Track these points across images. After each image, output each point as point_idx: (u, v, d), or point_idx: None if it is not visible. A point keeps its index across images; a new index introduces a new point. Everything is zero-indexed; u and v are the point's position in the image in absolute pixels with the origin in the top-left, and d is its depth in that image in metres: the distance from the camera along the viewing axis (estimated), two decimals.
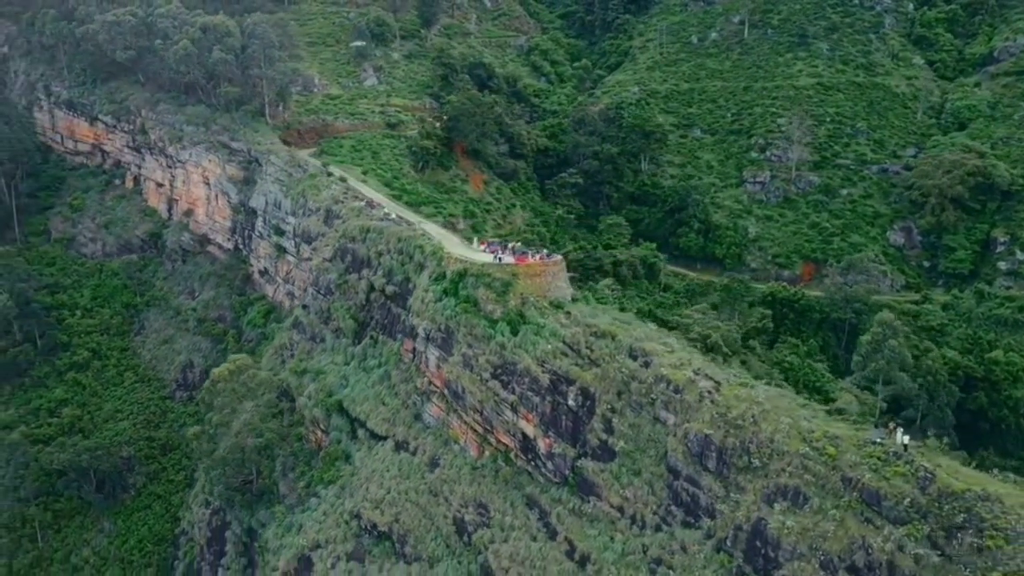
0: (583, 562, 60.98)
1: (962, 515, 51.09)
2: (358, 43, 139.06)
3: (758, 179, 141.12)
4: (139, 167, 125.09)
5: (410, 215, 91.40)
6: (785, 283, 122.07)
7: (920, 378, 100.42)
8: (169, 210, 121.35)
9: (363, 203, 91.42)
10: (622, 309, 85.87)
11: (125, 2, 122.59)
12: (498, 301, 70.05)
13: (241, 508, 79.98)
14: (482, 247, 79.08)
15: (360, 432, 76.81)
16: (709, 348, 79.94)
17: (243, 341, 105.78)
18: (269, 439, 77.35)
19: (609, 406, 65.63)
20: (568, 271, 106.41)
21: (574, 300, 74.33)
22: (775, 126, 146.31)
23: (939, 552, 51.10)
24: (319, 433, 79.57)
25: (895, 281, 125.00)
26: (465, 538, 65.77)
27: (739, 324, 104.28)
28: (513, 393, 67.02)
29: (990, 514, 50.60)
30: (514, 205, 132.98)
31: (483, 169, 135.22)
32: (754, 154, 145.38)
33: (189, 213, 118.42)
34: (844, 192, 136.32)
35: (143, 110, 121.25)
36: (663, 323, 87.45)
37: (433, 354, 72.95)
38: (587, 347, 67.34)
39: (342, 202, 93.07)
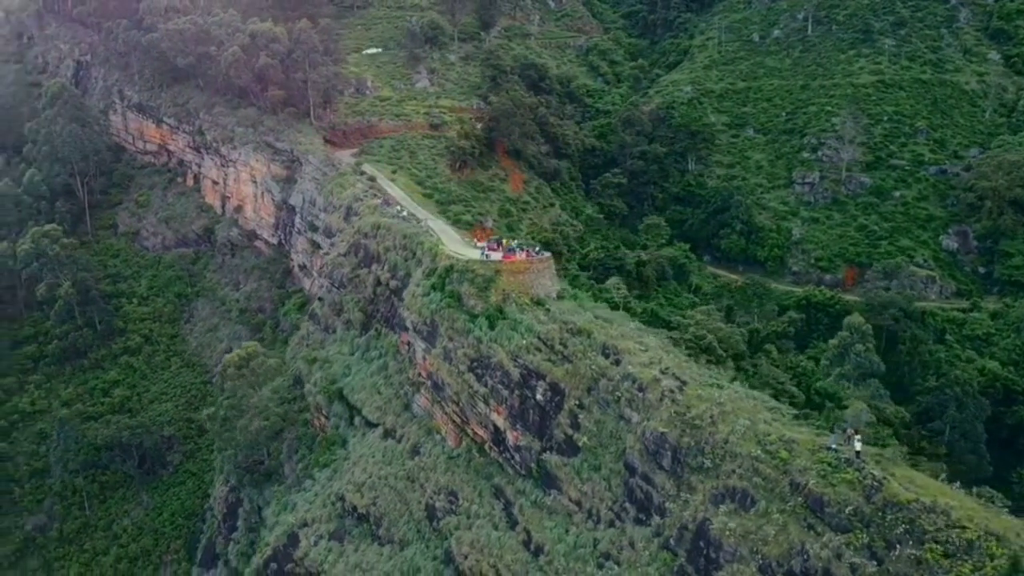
0: (537, 552, 62.29)
1: (904, 526, 50.03)
2: (372, 51, 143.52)
3: (807, 180, 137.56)
4: (198, 166, 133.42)
5: (422, 213, 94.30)
6: (824, 287, 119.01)
7: (949, 388, 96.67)
8: (222, 206, 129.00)
9: (379, 201, 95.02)
10: (614, 307, 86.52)
11: (188, 11, 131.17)
12: (479, 296, 71.98)
13: (251, 487, 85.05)
14: (480, 244, 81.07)
15: (356, 419, 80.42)
16: (703, 350, 79.58)
17: (279, 331, 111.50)
18: (275, 422, 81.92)
19: (577, 402, 66.58)
20: (588, 270, 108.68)
21: (560, 297, 75.39)
22: (829, 125, 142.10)
23: (877, 562, 50.15)
24: (322, 419, 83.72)
25: (945, 287, 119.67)
26: (435, 524, 68.18)
27: (758, 327, 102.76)
28: (486, 386, 68.93)
29: (932, 526, 49.39)
30: (552, 204, 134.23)
31: (523, 169, 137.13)
32: (805, 154, 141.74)
33: (239, 209, 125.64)
34: (897, 194, 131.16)
35: (201, 112, 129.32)
36: (665, 323, 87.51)
37: (420, 346, 75.72)
38: (561, 343, 68.42)
39: (361, 200, 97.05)
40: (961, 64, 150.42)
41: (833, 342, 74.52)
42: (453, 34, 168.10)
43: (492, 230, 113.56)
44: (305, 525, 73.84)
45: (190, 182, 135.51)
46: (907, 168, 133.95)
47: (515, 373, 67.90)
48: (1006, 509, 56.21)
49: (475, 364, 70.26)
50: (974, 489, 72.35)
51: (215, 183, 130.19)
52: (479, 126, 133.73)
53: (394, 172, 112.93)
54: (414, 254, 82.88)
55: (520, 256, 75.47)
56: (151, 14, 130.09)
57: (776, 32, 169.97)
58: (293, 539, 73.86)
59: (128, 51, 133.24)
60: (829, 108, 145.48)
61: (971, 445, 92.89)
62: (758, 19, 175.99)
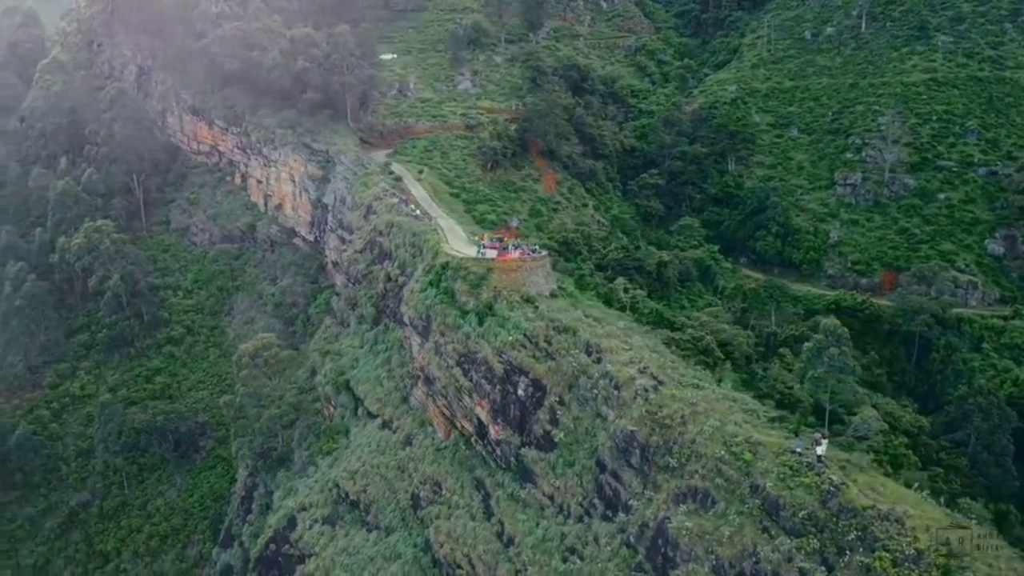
0: (508, 544, 63.71)
1: (856, 532, 49.71)
2: (388, 56, 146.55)
3: (848, 181, 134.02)
4: (245, 165, 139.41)
5: (436, 211, 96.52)
6: (855, 291, 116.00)
7: (974, 398, 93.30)
8: (265, 205, 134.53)
9: (396, 200, 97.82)
10: (621, 307, 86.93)
11: (238, 17, 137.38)
12: (471, 293, 73.80)
13: (265, 472, 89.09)
14: (483, 242, 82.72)
15: (360, 410, 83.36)
16: (700, 351, 79.23)
17: (309, 324, 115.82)
18: (286, 411, 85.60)
19: (558, 398, 67.71)
20: (606, 270, 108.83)
21: (553, 296, 76.40)
22: (874, 125, 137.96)
23: (828, 568, 49.92)
24: (330, 408, 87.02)
25: (987, 294, 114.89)
26: (418, 512, 70.33)
27: (776, 331, 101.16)
28: (471, 380, 70.65)
29: (884, 534, 48.96)
30: (585, 205, 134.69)
31: (557, 169, 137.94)
32: (849, 155, 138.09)
33: (279, 207, 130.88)
34: (941, 196, 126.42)
35: (247, 115, 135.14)
36: (669, 324, 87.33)
37: (415, 341, 78.02)
38: (545, 341, 69.58)
39: (380, 199, 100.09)
40: None
41: (808, 344, 72.88)
42: (500, 36, 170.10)
43: (517, 230, 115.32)
44: (303, 509, 77.20)
45: (238, 181, 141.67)
46: (954, 169, 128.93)
47: (499, 368, 69.40)
48: (976, 520, 54.81)
49: (463, 359, 72.09)
50: (973, 500, 70.38)
51: (259, 182, 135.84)
52: (513, 127, 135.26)
53: (421, 172, 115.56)
54: (421, 251, 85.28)
55: (514, 255, 76.88)
56: (203, 21, 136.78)
57: (829, 29, 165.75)
58: (291, 522, 77.31)
59: (183, 56, 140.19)
60: (876, 107, 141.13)
61: (995, 458, 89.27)
62: (811, 16, 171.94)
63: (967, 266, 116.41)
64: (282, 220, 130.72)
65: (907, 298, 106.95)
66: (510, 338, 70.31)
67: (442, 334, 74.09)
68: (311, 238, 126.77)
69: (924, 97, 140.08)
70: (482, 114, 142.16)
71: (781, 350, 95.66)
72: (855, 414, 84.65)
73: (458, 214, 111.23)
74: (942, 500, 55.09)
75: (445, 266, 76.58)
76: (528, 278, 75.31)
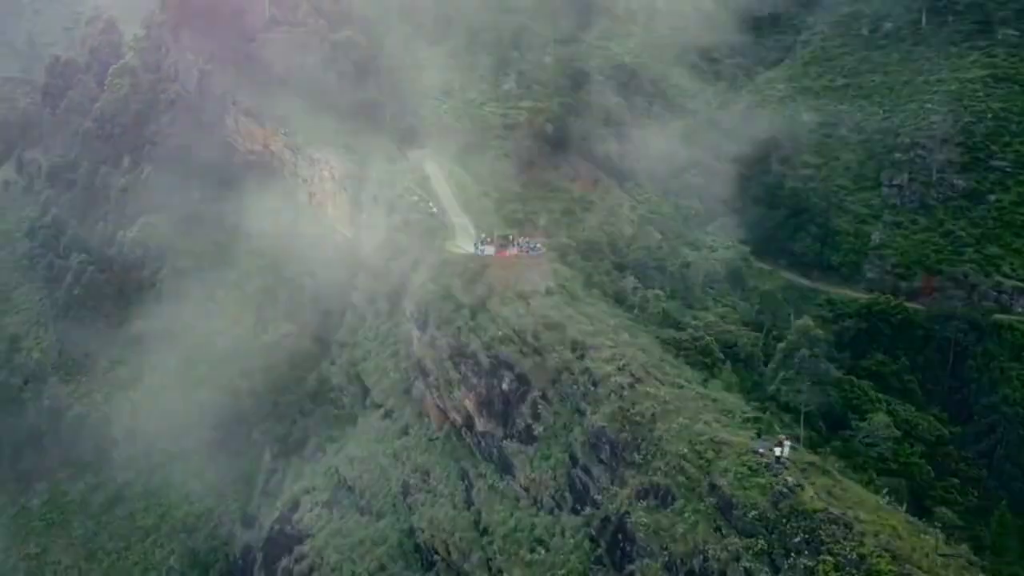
0: (483, 533, 65.39)
1: (803, 535, 49.88)
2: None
3: (895, 182, 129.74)
4: (294, 165, 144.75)
5: (456, 209, 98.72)
6: (892, 295, 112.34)
7: (1001, 408, 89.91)
8: (310, 202, 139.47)
9: (416, 198, 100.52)
10: (630, 307, 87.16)
11: (287, 21, 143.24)
12: (466, 289, 75.78)
13: (283, 457, 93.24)
14: (486, 239, 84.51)
15: (367, 400, 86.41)
16: (699, 351, 78.98)
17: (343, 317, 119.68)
18: (301, 399, 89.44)
19: (541, 393, 69.10)
20: (625, 270, 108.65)
21: (548, 293, 77.53)
22: (926, 124, 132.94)
23: (774, 569, 50.12)
24: (343, 398, 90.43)
25: None
26: (407, 499, 72.71)
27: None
28: (460, 374, 72.57)
29: (830, 538, 49.09)
30: (621, 205, 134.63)
31: (594, 169, 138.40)
32: (897, 155, 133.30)
33: (320, 206, 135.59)
34: (992, 198, 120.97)
35: (295, 115, 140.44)
36: (675, 323, 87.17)
37: (415, 334, 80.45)
38: (533, 336, 71.05)
39: (403, 197, 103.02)
40: None
41: (782, 345, 71.55)
42: (550, 36, 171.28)
43: (544, 229, 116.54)
44: (306, 493, 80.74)
45: (287, 179, 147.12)
46: (1008, 170, 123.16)
47: (486, 362, 71.16)
48: (939, 529, 53.67)
49: (454, 353, 74.15)
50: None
51: (304, 181, 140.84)
52: (550, 127, 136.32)
53: (451, 171, 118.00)
54: (429, 248, 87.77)
55: (513, 252, 78.41)
56: (255, 25, 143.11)
57: (887, 25, 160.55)
58: (296, 505, 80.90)
59: (237, 60, 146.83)
60: (929, 105, 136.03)
61: (1020, 470, 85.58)
62: (870, 12, 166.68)
63: (1013, 271, 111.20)
64: (323, 218, 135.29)
65: (940, 302, 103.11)
66: (499, 333, 71.97)
67: (437, 328, 76.36)
68: (349, 235, 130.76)
69: (980, 94, 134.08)
70: (521, 114, 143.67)
71: (798, 352, 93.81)
72: (865, 420, 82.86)
73: (486, 213, 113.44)
74: (904, 507, 53.98)
75: (444, 262, 78.71)
76: (523, 275, 76.83)
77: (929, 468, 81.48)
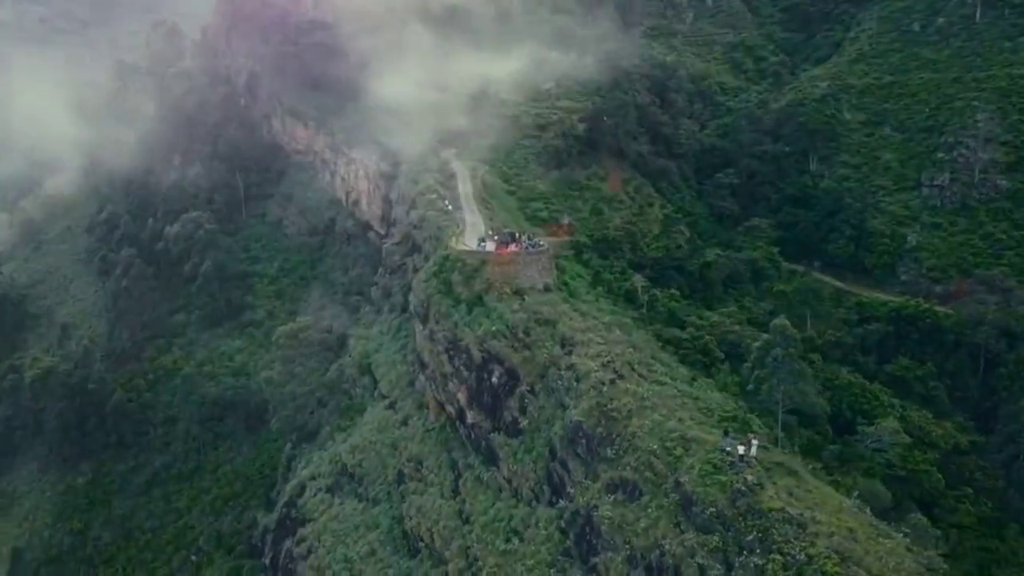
0: (466, 521, 66.82)
1: (757, 533, 49.95)
2: None
3: (936, 182, 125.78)
4: (334, 163, 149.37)
5: (471, 208, 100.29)
6: (924, 298, 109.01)
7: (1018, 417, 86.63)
8: (346, 200, 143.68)
9: (434, 196, 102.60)
10: (639, 305, 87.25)
11: (327, 25, 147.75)
12: (465, 285, 77.27)
13: (297, 445, 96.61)
14: (494, 237, 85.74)
15: (376, 391, 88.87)
16: (698, 351, 78.68)
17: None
18: (316, 389, 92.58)
19: (528, 387, 70.14)
20: (643, 269, 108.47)
21: (547, 289, 78.34)
22: (971, 122, 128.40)
23: (727, 567, 50.37)
24: (355, 389, 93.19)
25: None
26: (400, 488, 74.71)
27: (812, 335, 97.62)
28: (454, 367, 74.16)
29: (782, 537, 49.24)
30: (651, 204, 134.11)
31: (626, 168, 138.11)
32: (940, 154, 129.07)
33: (356, 203, 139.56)
34: None
35: (334, 115, 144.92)
36: (680, 323, 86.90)
37: (418, 328, 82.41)
38: (524, 332, 72.08)
39: (424, 195, 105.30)
40: None
41: (757, 344, 70.34)
42: (591, 36, 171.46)
43: (569, 226, 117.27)
44: (313, 479, 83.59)
45: (327, 178, 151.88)
46: None
47: (477, 356, 72.52)
48: (905, 534, 52.78)
49: (450, 346, 75.74)
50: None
51: (343, 179, 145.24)
52: (581, 126, 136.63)
53: (474, 169, 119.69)
54: (438, 244, 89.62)
55: (512, 248, 79.51)
56: (298, 28, 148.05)
57: (940, 20, 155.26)
58: (302, 490, 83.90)
59: (282, 62, 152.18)
60: (976, 103, 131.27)
61: None
62: (922, 7, 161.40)
63: None
64: (359, 215, 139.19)
65: (970, 307, 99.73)
66: (493, 328, 73.19)
67: (436, 322, 78.09)
68: (382, 232, 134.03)
69: None
70: (555, 114, 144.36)
71: (812, 355, 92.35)
72: (874, 424, 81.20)
73: (509, 211, 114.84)
74: (868, 511, 53.01)
75: (446, 258, 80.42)
76: (521, 271, 77.77)
77: (940, 476, 79.18)
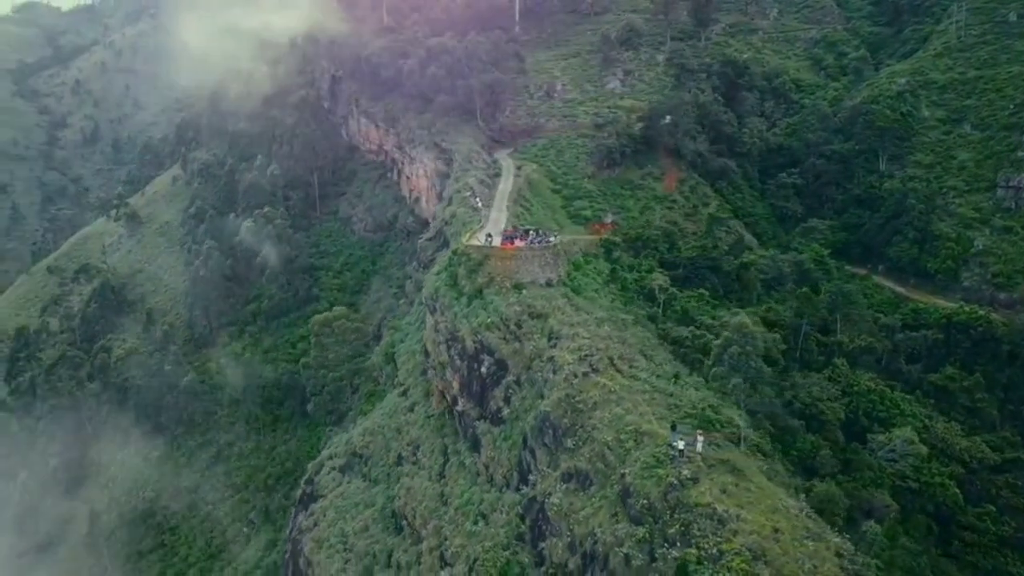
0: (444, 504, 69.39)
1: (680, 527, 50.83)
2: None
3: (1012, 183, 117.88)
4: (400, 163, 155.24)
5: (500, 205, 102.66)
6: (985, 305, 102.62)
7: None
8: (409, 198, 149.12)
9: (468, 193, 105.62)
10: (651, 301, 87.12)
11: (396, 30, 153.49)
12: (468, 278, 79.85)
13: (328, 427, 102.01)
14: (507, 233, 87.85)
15: (396, 379, 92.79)
16: (698, 350, 78.04)
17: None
18: (345, 375, 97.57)
19: (515, 378, 72.06)
20: (676, 269, 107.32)
21: (548, 284, 79.75)
22: None
23: (651, 558, 51.36)
24: (382, 376, 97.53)
25: None
26: (398, 470, 78.08)
27: (843, 340, 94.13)
28: (450, 357, 76.83)
29: (700, 532, 50.03)
30: (707, 204, 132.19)
31: (683, 168, 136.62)
32: (1020, 154, 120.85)
33: (417, 201, 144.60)
34: None
35: (400, 117, 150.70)
36: (693, 323, 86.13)
37: (428, 319, 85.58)
38: (516, 324, 74.07)
39: (460, 192, 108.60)
40: None
41: (717, 342, 68.27)
42: (665, 34, 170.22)
43: (613, 224, 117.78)
44: (330, 458, 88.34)
45: (395, 177, 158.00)
46: None
47: (470, 347, 74.96)
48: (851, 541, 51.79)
49: (449, 337, 78.50)
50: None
51: (407, 178, 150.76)
52: (638, 125, 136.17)
53: (519, 168, 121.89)
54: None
55: (518, 243, 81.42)
56: (369, 33, 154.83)
57: None
58: (319, 468, 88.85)
59: (356, 66, 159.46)
60: None
61: None
62: None
63: None
64: (419, 212, 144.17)
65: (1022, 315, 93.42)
66: (488, 320, 75.49)
67: (441, 313, 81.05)
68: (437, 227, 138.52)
69: None
70: (614, 113, 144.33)
71: (837, 360, 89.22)
72: (889, 430, 78.19)
73: (553, 210, 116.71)
74: (809, 516, 51.91)
75: (455, 252, 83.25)
76: (523, 266, 79.61)
77: (957, 491, 75.14)
